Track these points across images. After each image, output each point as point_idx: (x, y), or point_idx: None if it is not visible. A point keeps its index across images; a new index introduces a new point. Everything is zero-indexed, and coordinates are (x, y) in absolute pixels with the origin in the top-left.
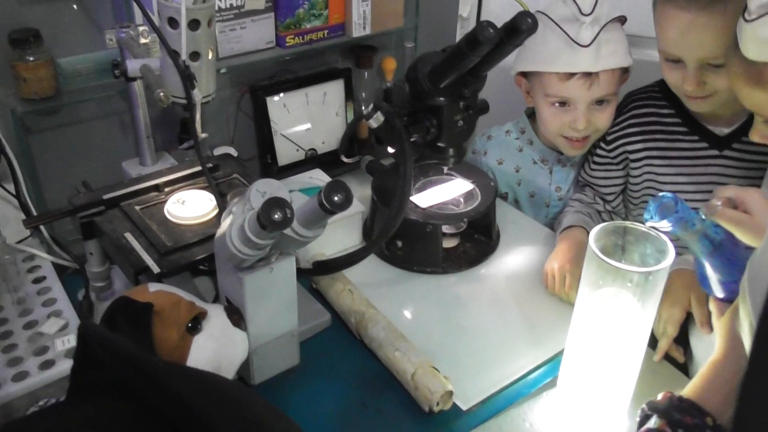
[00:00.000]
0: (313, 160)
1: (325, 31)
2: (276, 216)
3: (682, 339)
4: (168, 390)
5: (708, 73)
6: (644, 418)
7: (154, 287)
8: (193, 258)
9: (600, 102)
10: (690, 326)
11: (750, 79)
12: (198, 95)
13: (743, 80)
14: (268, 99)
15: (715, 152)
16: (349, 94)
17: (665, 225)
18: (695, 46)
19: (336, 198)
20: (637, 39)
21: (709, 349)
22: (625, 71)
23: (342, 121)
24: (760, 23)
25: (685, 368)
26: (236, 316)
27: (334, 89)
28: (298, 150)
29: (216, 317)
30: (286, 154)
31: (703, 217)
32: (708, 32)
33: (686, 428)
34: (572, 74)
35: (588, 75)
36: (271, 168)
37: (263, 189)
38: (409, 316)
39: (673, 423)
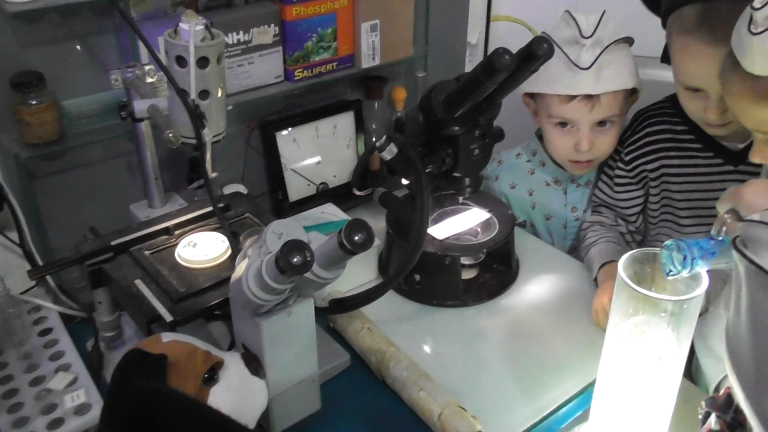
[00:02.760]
0: (324, 195)
1: (335, 63)
2: (295, 259)
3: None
4: None
5: None
6: (705, 416)
7: (167, 337)
8: (207, 303)
9: (602, 123)
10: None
11: (755, 96)
12: (208, 135)
13: (747, 98)
14: (278, 134)
15: (730, 167)
16: (360, 126)
17: (686, 272)
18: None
19: (357, 238)
20: (648, 60)
21: (716, 362)
22: (632, 92)
23: (353, 153)
24: None
25: None
26: (254, 364)
27: (344, 121)
28: (309, 185)
29: (233, 366)
30: (297, 189)
31: (720, 237)
32: None
33: (744, 427)
34: (573, 96)
35: (589, 97)
36: (282, 204)
37: (279, 230)
38: (430, 352)
39: (729, 422)
